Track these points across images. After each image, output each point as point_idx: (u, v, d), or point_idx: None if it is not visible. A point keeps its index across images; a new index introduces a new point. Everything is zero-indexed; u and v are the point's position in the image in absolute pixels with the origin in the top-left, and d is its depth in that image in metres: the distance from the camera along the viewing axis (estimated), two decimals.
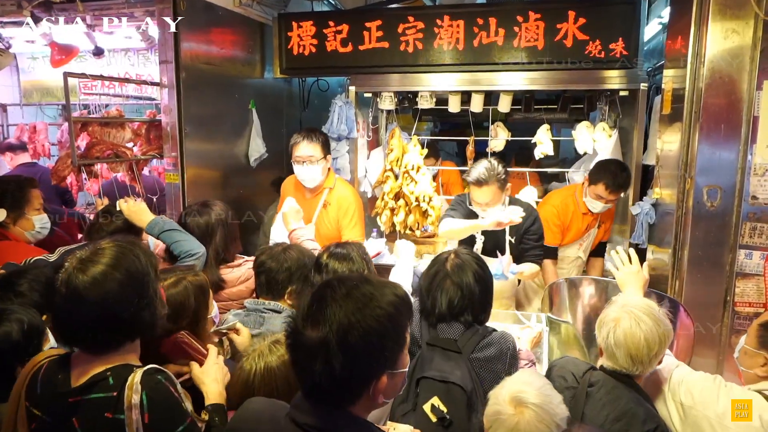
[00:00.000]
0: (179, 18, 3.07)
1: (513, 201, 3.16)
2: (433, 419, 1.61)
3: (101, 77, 2.80)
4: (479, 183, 2.82)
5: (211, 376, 1.56)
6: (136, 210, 2.36)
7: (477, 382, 1.75)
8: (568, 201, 3.32)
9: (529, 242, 3.01)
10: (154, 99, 5.03)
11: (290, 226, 2.74)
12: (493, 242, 3.04)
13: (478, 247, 3.15)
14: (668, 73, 2.91)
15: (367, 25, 3.78)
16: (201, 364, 1.59)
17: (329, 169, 3.36)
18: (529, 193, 4.09)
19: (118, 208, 2.38)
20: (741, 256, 2.42)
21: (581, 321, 2.42)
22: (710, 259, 2.48)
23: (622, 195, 3.32)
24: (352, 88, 3.91)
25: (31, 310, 1.69)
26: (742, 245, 2.41)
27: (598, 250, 3.51)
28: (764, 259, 2.39)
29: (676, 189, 2.64)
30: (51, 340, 1.72)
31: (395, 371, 1.18)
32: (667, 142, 2.89)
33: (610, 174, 3.08)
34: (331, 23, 3.82)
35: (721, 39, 2.36)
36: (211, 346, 1.63)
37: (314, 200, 3.34)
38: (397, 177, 4.29)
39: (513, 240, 3.06)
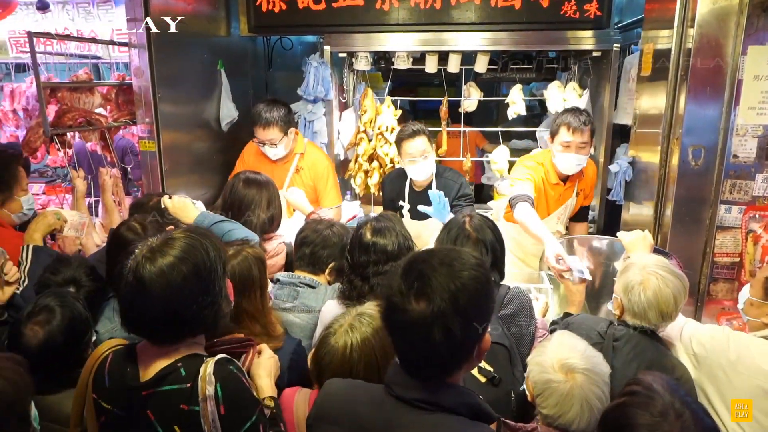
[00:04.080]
0: None
1: (441, 170, 3.25)
2: (483, 380, 1.67)
3: (68, 37, 2.51)
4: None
5: (267, 370, 1.55)
6: (181, 206, 2.22)
7: (510, 337, 1.83)
8: (541, 170, 3.17)
9: (460, 205, 3.12)
10: (99, 57, 4.66)
11: (306, 209, 2.70)
12: (419, 212, 3.05)
13: (405, 214, 3.32)
14: (648, 35, 3.00)
15: None
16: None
17: (296, 134, 3.31)
18: (502, 153, 4.17)
19: (162, 206, 2.23)
20: (721, 211, 2.60)
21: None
22: (692, 214, 2.65)
23: (592, 143, 3.14)
24: (327, 48, 3.77)
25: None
26: (723, 201, 2.59)
27: (581, 215, 3.46)
28: (742, 213, 2.58)
29: (659, 148, 2.77)
30: None
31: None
32: (647, 103, 3.01)
33: (568, 114, 3.01)
34: None
35: (710, 3, 2.45)
36: (264, 345, 1.61)
37: (285, 166, 3.30)
38: (370, 139, 4.25)
39: None
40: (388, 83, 4.27)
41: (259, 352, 1.58)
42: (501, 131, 4.41)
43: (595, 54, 3.70)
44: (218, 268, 1.36)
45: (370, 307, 1.59)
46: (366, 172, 4.27)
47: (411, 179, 3.26)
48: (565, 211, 3.28)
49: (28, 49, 4.52)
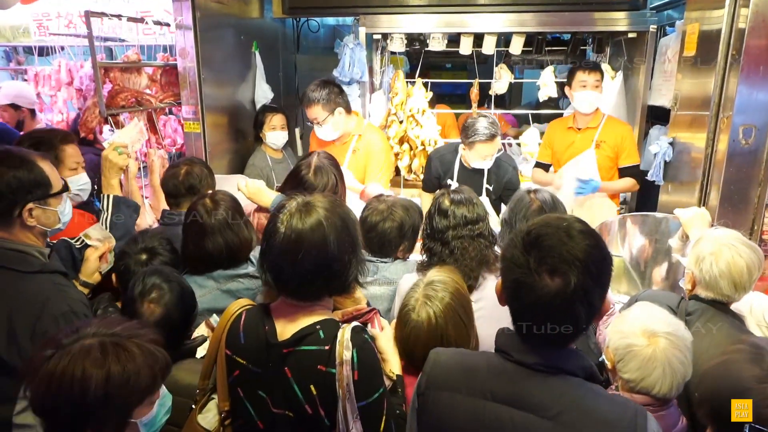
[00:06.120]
0: None
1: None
2: None
3: (120, 16, 2.51)
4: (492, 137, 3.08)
5: (394, 348, 1.58)
6: (257, 191, 2.23)
7: None
8: (560, 122, 3.60)
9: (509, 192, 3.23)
10: (124, 40, 4.62)
11: (357, 188, 2.71)
12: (470, 187, 3.14)
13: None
14: (692, 15, 3.00)
15: None
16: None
17: (356, 114, 3.31)
18: (533, 135, 4.18)
19: (237, 189, 2.23)
20: None
21: (633, 255, 2.58)
22: (740, 193, 2.68)
23: (602, 80, 3.35)
24: (362, 29, 3.76)
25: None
26: None
27: (630, 173, 3.43)
28: None
29: (705, 128, 2.79)
30: None
31: None
32: (690, 83, 3.02)
33: (579, 64, 3.37)
34: None
35: None
36: (385, 321, 1.64)
37: (343, 147, 3.31)
38: (401, 121, 4.25)
39: (490, 188, 3.29)
40: (419, 66, 4.26)
41: (381, 327, 1.60)
42: (531, 113, 4.41)
43: (630, 35, 3.70)
44: (359, 230, 1.41)
45: (436, 274, 1.63)
46: (396, 155, 4.27)
47: (462, 160, 3.28)
48: (584, 158, 3.31)
49: (56, 32, 4.54)
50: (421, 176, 4.38)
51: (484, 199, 3.21)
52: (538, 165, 3.63)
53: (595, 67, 3.33)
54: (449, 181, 3.27)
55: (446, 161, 3.27)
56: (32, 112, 4.06)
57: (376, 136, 3.26)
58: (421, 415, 1.29)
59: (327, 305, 1.44)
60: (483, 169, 3.24)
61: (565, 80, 4.46)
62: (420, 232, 2.09)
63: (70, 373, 1.09)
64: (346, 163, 3.18)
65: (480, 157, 3.12)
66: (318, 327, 1.35)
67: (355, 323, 1.39)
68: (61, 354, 1.12)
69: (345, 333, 1.33)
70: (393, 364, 1.53)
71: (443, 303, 1.56)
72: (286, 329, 1.36)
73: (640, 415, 1.15)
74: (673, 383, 1.52)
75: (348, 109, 3.17)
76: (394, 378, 1.50)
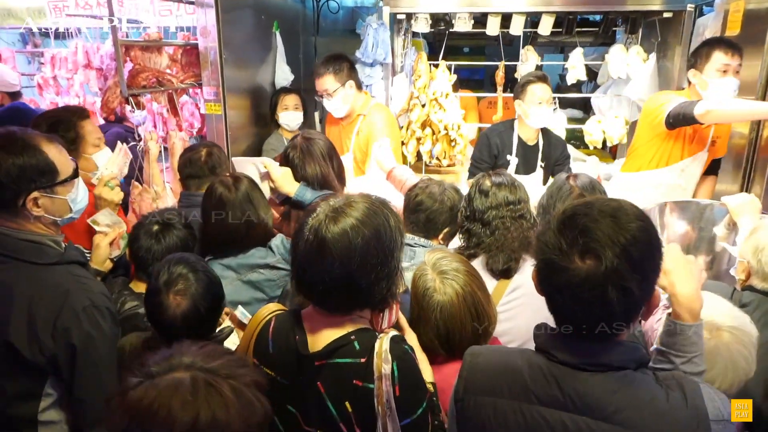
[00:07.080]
0: None
1: (545, 129, 3.24)
2: None
3: None
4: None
5: (422, 354, 1.45)
6: (285, 175, 2.11)
7: None
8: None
9: (562, 168, 3.23)
10: (139, 21, 4.54)
11: (386, 166, 2.61)
12: (527, 166, 3.21)
13: (512, 168, 3.25)
14: None
15: None
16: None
17: (366, 94, 3.21)
18: (560, 118, 4.05)
19: (263, 169, 2.13)
20: None
21: (676, 243, 2.46)
22: None
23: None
24: (386, 9, 3.64)
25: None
26: None
27: (712, 167, 3.03)
28: None
29: None
30: None
31: None
32: None
33: (715, 39, 2.76)
34: None
35: None
36: (403, 319, 1.52)
37: (349, 128, 3.23)
38: (423, 105, 4.13)
39: (543, 165, 3.25)
40: (443, 48, 4.14)
41: (401, 329, 1.47)
42: (558, 98, 4.27)
43: (665, 15, 3.55)
44: (397, 240, 1.25)
45: (434, 254, 1.55)
46: (418, 139, 4.16)
47: (519, 134, 3.20)
48: (693, 163, 2.90)
49: (73, 14, 4.47)
50: (444, 162, 4.29)
51: (538, 175, 3.22)
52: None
53: (739, 48, 2.68)
54: (508, 157, 3.18)
55: (505, 137, 3.18)
56: (13, 95, 3.99)
57: (378, 116, 3.15)
58: (461, 422, 1.21)
59: (363, 315, 1.31)
60: (538, 147, 3.20)
61: (594, 62, 4.34)
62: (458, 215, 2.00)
63: (154, 412, 0.91)
64: (351, 145, 3.12)
65: (535, 102, 2.99)
66: (353, 338, 1.23)
67: (393, 333, 1.27)
68: (148, 386, 0.94)
69: (383, 344, 1.20)
70: (426, 372, 1.40)
71: (461, 272, 1.49)
72: (318, 339, 1.25)
73: (698, 397, 1.07)
74: (735, 380, 1.43)
75: (359, 86, 3.11)
76: (432, 389, 1.37)
